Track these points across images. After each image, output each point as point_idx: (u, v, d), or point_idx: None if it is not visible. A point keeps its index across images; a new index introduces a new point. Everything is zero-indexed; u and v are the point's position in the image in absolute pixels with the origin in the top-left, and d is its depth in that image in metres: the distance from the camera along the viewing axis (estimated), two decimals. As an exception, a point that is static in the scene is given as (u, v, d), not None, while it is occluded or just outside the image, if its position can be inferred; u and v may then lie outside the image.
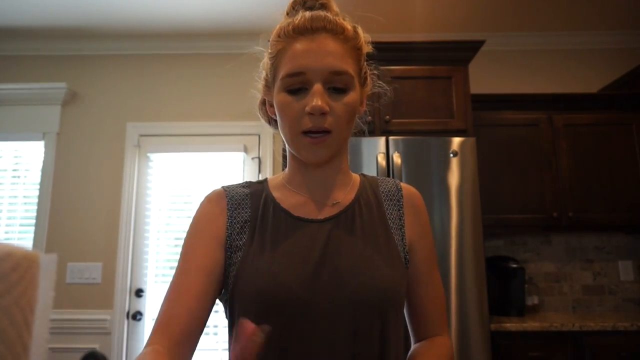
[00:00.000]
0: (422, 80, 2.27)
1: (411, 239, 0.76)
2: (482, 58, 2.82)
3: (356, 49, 0.71)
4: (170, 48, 2.93)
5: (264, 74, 0.77)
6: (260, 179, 0.85)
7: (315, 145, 0.68)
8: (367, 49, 0.75)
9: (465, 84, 2.26)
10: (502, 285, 2.33)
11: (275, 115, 0.73)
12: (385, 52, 2.27)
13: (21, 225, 2.75)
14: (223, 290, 0.72)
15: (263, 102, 0.80)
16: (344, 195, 0.77)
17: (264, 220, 0.73)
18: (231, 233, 0.72)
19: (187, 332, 0.63)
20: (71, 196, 2.74)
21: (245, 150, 2.78)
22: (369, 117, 2.22)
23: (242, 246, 0.71)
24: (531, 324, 2.05)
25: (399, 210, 0.77)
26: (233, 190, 0.77)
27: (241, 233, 0.72)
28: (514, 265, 2.32)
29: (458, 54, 2.28)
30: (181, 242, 2.86)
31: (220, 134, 2.82)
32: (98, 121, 2.84)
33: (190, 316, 0.64)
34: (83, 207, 2.73)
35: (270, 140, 2.80)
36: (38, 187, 2.75)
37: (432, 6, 2.60)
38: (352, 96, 0.69)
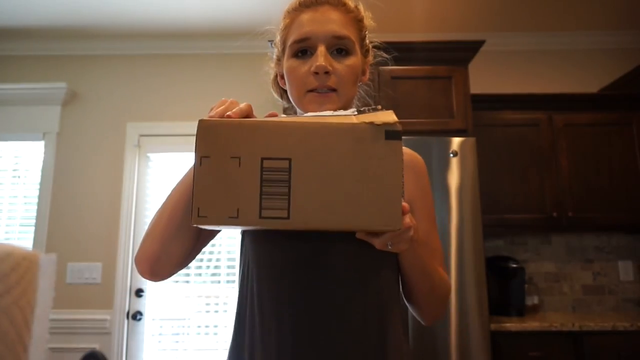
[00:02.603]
0: (422, 81, 2.27)
1: (410, 199, 0.79)
2: (482, 58, 2.82)
3: (357, 20, 0.78)
4: (170, 48, 2.93)
5: (275, 51, 0.83)
6: None
7: (321, 98, 0.73)
8: (369, 23, 0.82)
9: (465, 84, 2.26)
10: (502, 285, 2.33)
11: (285, 85, 0.80)
12: (385, 52, 2.28)
13: (21, 225, 2.75)
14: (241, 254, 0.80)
15: (275, 77, 0.87)
16: None
17: None
18: None
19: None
20: (71, 196, 2.74)
21: (245, 150, 2.78)
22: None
23: None
24: (531, 324, 2.05)
25: None
26: None
27: None
28: (514, 265, 2.32)
29: (458, 54, 2.28)
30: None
31: (220, 134, 2.81)
32: (98, 121, 2.84)
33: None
34: (83, 207, 2.73)
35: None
36: (38, 187, 2.75)
37: (432, 6, 2.60)
38: (353, 60, 0.75)
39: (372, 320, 0.69)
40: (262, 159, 0.52)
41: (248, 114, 0.60)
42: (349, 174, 0.52)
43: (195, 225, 0.54)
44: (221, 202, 0.52)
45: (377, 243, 0.57)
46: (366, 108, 0.59)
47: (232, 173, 0.52)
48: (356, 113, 0.57)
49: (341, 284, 0.69)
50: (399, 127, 0.52)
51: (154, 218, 0.70)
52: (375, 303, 0.70)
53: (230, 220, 0.52)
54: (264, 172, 0.52)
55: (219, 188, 0.52)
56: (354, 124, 0.52)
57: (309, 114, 0.62)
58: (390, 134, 0.52)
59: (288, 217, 0.51)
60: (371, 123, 0.52)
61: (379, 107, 0.59)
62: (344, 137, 0.52)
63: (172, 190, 0.71)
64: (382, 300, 0.71)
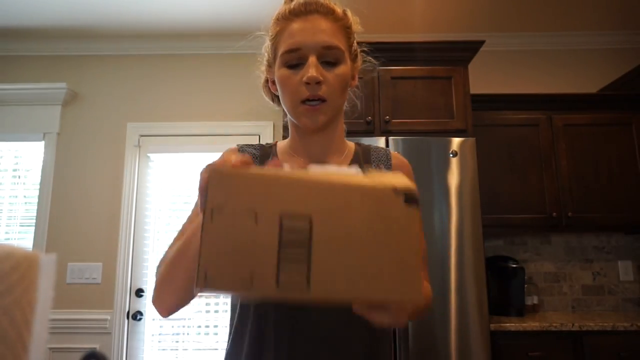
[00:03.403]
0: (422, 81, 2.28)
1: None
2: (482, 58, 2.82)
3: (345, 27, 0.79)
4: (170, 48, 2.93)
5: (266, 55, 0.85)
6: (271, 142, 0.93)
7: (313, 112, 0.75)
8: (357, 28, 0.83)
9: (465, 84, 2.26)
10: (502, 285, 2.33)
11: (277, 91, 0.82)
12: (385, 52, 2.28)
13: (21, 225, 2.75)
14: None
15: (266, 81, 0.88)
16: (339, 161, 0.84)
17: None
18: None
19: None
20: (71, 196, 2.74)
21: (245, 150, 2.78)
22: (369, 117, 2.22)
23: None
24: (531, 324, 2.05)
25: None
26: (246, 150, 0.87)
27: None
28: (514, 265, 2.32)
29: (458, 54, 2.28)
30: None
31: (220, 134, 2.82)
32: (98, 121, 2.84)
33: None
34: (83, 207, 2.73)
35: (270, 140, 2.80)
36: (38, 187, 2.75)
37: (432, 6, 2.60)
38: (343, 68, 0.77)
39: (362, 353, 0.72)
40: (282, 217, 0.47)
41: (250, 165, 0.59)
42: (369, 238, 0.48)
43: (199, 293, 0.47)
44: (233, 265, 0.45)
45: (377, 317, 0.51)
46: (369, 167, 0.56)
47: (247, 231, 0.46)
48: (360, 171, 0.55)
49: (334, 329, 0.72)
50: (417, 194, 0.50)
51: (168, 264, 0.67)
52: (366, 337, 0.73)
53: (242, 287, 0.45)
54: (283, 232, 0.47)
55: (232, 248, 0.46)
56: (374, 186, 0.50)
57: (312, 166, 0.60)
58: (410, 198, 0.50)
59: (308, 287, 0.46)
60: (393, 187, 0.50)
61: (382, 166, 0.58)
62: (366, 199, 0.49)
63: (186, 241, 0.65)
64: (373, 334, 0.74)
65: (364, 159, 0.86)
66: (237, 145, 0.88)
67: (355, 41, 0.84)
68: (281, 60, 0.77)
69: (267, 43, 0.83)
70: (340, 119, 0.85)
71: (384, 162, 0.86)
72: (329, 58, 0.75)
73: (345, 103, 0.85)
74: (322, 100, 0.75)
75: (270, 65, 0.83)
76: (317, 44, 0.74)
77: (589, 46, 2.94)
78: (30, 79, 2.89)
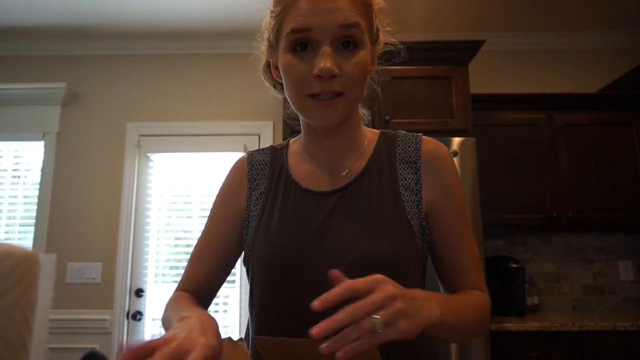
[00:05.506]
0: (422, 80, 2.27)
1: (430, 201, 0.72)
2: (482, 58, 2.82)
3: (366, 4, 0.67)
4: (170, 48, 2.93)
5: (266, 34, 0.73)
6: (283, 142, 0.85)
7: (325, 107, 0.64)
8: (378, 4, 0.71)
9: (465, 84, 2.26)
10: (502, 285, 2.33)
11: (280, 78, 0.71)
12: (385, 52, 2.28)
13: (21, 225, 2.75)
14: (244, 257, 0.77)
15: (267, 65, 0.78)
16: (355, 162, 0.75)
17: (276, 192, 0.76)
18: (249, 204, 0.77)
19: (205, 289, 0.76)
20: (71, 196, 2.74)
21: (245, 150, 2.77)
22: (369, 117, 2.22)
23: (256, 216, 0.75)
24: (531, 324, 2.05)
25: (415, 174, 0.73)
26: (255, 157, 0.81)
27: (257, 204, 0.77)
28: (514, 265, 2.32)
29: (458, 54, 2.28)
30: (181, 242, 2.86)
31: (220, 134, 2.82)
32: (98, 121, 2.84)
33: (209, 277, 0.76)
34: (83, 207, 2.73)
35: (271, 140, 2.80)
36: (38, 187, 2.75)
37: (432, 6, 2.60)
38: (363, 55, 0.65)
39: None
40: None
41: None
42: None
43: None
44: None
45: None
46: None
47: None
48: None
49: None
50: None
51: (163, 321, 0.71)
52: None
53: None
54: None
55: None
56: None
57: None
58: None
59: None
60: None
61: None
62: None
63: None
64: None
65: (388, 151, 0.76)
66: (248, 153, 0.82)
67: (376, 19, 0.71)
68: (286, 42, 0.65)
69: (268, 18, 0.70)
70: (355, 114, 0.75)
71: (411, 152, 0.74)
72: (348, 39, 0.63)
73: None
74: (338, 94, 0.64)
75: (272, 47, 0.71)
76: (332, 24, 0.62)
77: (589, 46, 2.94)
78: (30, 79, 2.89)
